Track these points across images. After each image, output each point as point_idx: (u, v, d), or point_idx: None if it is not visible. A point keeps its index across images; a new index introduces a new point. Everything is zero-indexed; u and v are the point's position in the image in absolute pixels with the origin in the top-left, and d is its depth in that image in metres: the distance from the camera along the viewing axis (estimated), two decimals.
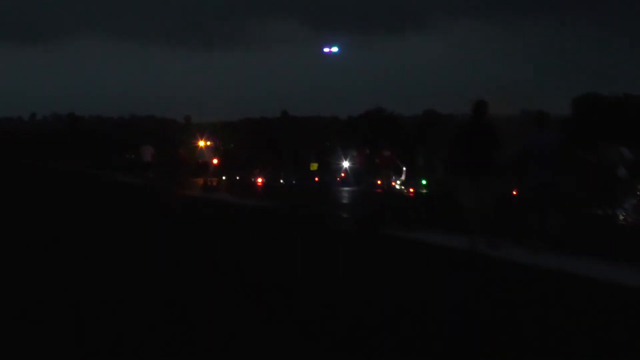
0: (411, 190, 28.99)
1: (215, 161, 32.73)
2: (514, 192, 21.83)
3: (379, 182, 32.25)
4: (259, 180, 34.76)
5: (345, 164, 35.35)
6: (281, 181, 34.41)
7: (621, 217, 19.25)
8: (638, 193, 19.83)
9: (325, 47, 47.63)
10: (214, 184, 29.22)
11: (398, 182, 30.83)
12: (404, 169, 31.61)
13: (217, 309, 8.16)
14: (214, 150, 33.74)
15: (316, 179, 35.33)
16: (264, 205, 21.12)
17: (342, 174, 35.06)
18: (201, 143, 32.29)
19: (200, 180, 29.74)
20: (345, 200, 25.85)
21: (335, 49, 47.21)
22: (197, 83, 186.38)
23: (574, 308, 8.63)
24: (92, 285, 9.42)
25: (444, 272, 10.79)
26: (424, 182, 29.22)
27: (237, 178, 35.57)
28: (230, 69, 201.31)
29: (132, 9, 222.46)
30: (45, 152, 54.19)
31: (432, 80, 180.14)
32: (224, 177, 35.26)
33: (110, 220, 17.30)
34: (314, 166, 36.93)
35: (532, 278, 10.47)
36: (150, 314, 7.96)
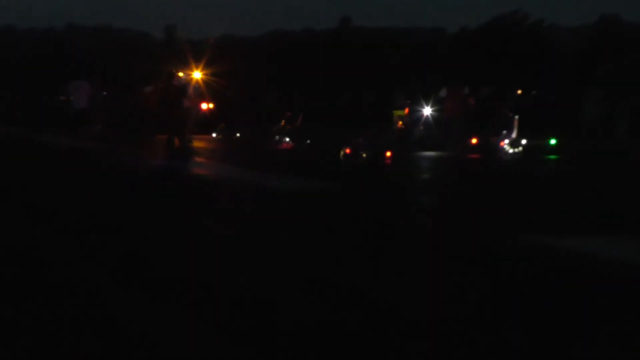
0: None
1: (204, 106, 22.13)
2: None
3: (473, 140, 20.23)
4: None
5: (427, 111, 23.36)
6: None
7: None
8: None
9: None
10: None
11: (506, 141, 18.81)
12: (516, 117, 19.60)
13: None
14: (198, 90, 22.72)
15: None
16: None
17: (420, 127, 23.15)
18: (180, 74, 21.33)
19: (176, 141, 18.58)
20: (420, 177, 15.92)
21: None
22: None
23: None
24: None
25: None
26: (552, 141, 17.34)
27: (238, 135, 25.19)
28: None
29: None
30: None
31: None
32: (214, 134, 24.38)
33: None
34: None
35: None
36: None
